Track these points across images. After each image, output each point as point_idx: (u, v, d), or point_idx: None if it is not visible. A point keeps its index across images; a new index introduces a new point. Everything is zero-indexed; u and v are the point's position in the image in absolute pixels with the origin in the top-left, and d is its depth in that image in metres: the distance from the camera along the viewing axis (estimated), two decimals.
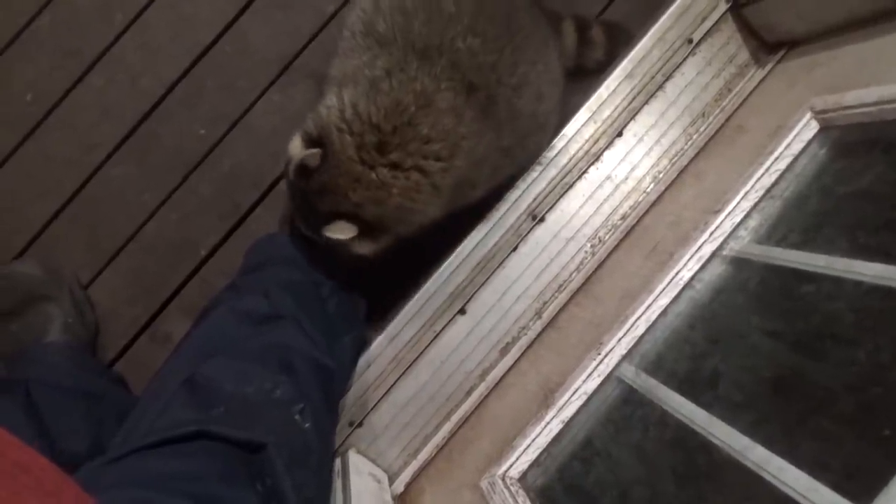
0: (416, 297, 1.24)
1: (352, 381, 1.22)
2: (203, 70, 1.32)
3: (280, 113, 1.34)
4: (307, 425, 0.88)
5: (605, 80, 1.27)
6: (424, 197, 1.00)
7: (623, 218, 1.27)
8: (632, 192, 1.28)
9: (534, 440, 1.01)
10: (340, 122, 0.97)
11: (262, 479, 0.75)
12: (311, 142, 0.98)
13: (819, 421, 0.65)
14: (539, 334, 1.24)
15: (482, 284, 1.27)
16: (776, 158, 1.01)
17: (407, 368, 1.26)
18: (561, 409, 1.01)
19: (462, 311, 1.27)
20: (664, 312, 1.00)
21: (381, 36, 1.01)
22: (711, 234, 1.02)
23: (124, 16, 1.30)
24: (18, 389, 1.02)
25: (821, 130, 0.98)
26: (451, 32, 0.98)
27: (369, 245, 1.04)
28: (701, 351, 0.88)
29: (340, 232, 0.98)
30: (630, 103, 1.27)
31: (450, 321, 1.26)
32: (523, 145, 1.15)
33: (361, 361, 1.23)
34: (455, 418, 1.25)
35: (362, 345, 1.23)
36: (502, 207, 1.25)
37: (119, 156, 1.31)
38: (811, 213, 0.90)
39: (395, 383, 1.26)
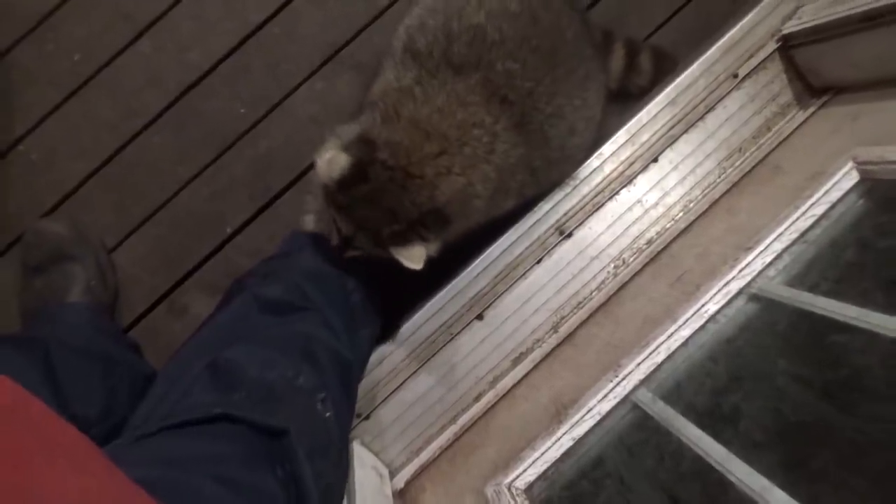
0: (437, 297, 1.25)
1: (364, 374, 1.23)
2: (250, 50, 1.33)
3: (321, 101, 1.34)
4: (328, 414, 0.89)
5: (647, 104, 1.28)
6: (478, 177, 0.99)
7: (649, 243, 1.28)
8: (660, 219, 1.29)
9: (543, 453, 1.02)
10: (387, 125, 0.97)
11: (282, 465, 0.76)
12: (351, 149, 0.96)
13: (843, 474, 0.65)
14: (554, 349, 1.25)
15: (503, 293, 1.28)
16: (813, 203, 1.02)
17: (419, 367, 1.27)
18: (573, 426, 1.02)
19: (480, 317, 1.27)
20: (686, 343, 1.00)
21: (418, 52, 1.02)
22: (741, 270, 1.02)
23: None
24: (38, 349, 1.02)
25: (862, 181, 0.99)
26: (490, 56, 0.99)
27: (434, 250, 1.02)
28: (722, 386, 0.89)
29: (414, 257, 0.96)
30: (669, 130, 1.28)
31: (467, 325, 1.27)
32: (549, 172, 1.17)
33: (375, 355, 1.23)
34: (461, 422, 1.26)
35: (378, 339, 1.24)
36: (531, 219, 1.26)
37: (158, 125, 1.32)
38: (846, 262, 0.90)
39: (405, 380, 1.27)
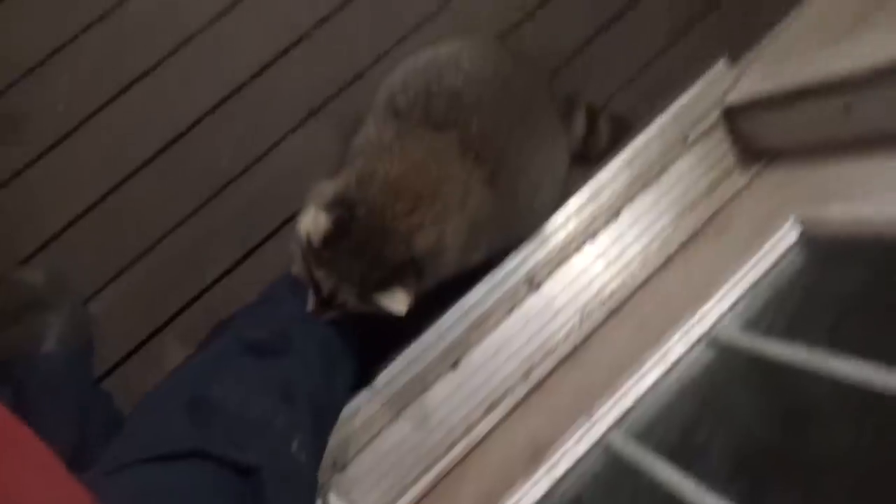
0: (412, 347, 1.29)
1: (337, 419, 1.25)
2: (236, 104, 1.38)
3: (303, 154, 1.40)
4: (302, 456, 0.92)
5: (607, 165, 1.38)
6: (450, 230, 1.04)
7: (611, 295, 1.36)
8: (622, 271, 1.38)
9: (522, 497, 1.05)
10: (362, 185, 1.02)
11: (252, 502, 0.78)
12: (331, 208, 0.99)
13: (801, 496, 0.72)
14: (526, 396, 1.30)
15: (476, 342, 1.33)
16: (761, 257, 1.12)
17: (395, 416, 1.29)
18: (551, 468, 1.06)
19: (454, 366, 1.32)
20: (654, 386, 1.07)
21: (399, 110, 1.09)
22: (700, 318, 1.11)
23: (170, 41, 1.36)
24: (10, 380, 1.03)
25: (803, 235, 1.10)
26: (466, 116, 1.07)
27: (411, 300, 1.04)
28: (690, 424, 0.96)
29: (395, 299, 1.00)
30: (628, 189, 1.38)
31: (441, 374, 1.31)
32: (517, 226, 1.25)
33: (351, 405, 1.25)
34: (438, 469, 1.28)
35: (355, 384, 1.26)
36: (502, 271, 1.32)
37: (141, 176, 1.35)
38: (793, 309, 1.00)
39: (381, 430, 1.29)
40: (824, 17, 1.43)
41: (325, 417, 1.09)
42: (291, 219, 1.39)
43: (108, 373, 1.32)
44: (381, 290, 1.01)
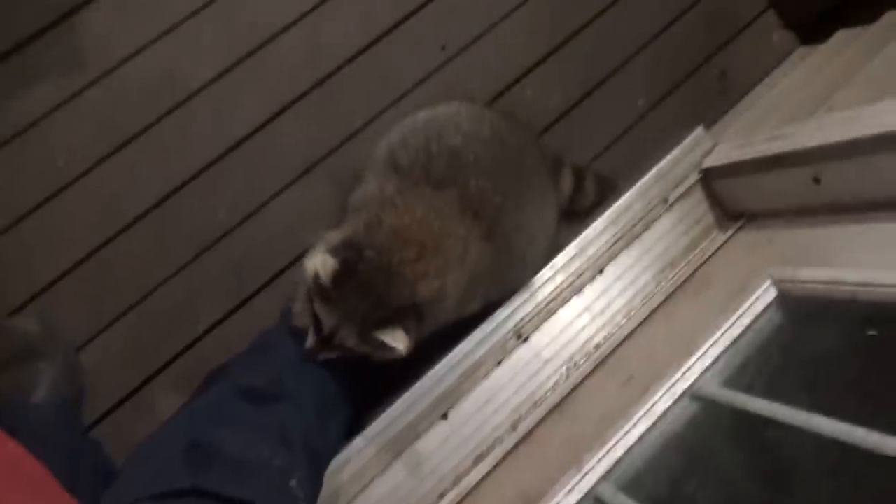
0: (404, 397, 1.31)
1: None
2: (233, 160, 1.42)
3: (297, 210, 1.44)
4: (301, 494, 0.93)
5: (593, 222, 1.44)
6: (452, 282, 1.09)
7: (597, 347, 1.40)
8: (607, 325, 1.42)
9: None
10: (370, 231, 1.07)
11: None
12: (339, 251, 1.04)
13: None
14: (514, 447, 1.33)
15: (465, 393, 1.36)
16: (741, 315, 1.18)
17: (386, 466, 1.31)
18: None
19: (444, 416, 1.34)
20: (641, 439, 1.11)
21: (400, 167, 1.14)
22: (684, 373, 1.16)
23: (169, 101, 1.40)
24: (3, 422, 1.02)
25: (780, 296, 1.16)
26: (465, 174, 1.12)
27: (411, 345, 1.08)
28: (678, 477, 0.99)
29: (395, 338, 1.03)
30: (612, 246, 1.44)
31: (432, 424, 1.34)
32: (511, 277, 1.30)
33: (342, 455, 1.26)
34: None
35: (349, 429, 1.28)
36: (491, 323, 1.36)
37: (137, 227, 1.37)
38: (773, 367, 1.05)
39: (372, 479, 1.30)
40: (796, 89, 1.54)
41: (320, 460, 1.11)
42: (284, 271, 1.43)
43: (99, 420, 1.32)
44: (381, 328, 1.04)
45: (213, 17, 1.44)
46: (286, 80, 1.46)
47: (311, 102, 1.47)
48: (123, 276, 1.36)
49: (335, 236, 1.10)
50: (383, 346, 1.04)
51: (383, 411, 1.30)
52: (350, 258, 1.02)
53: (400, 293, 1.05)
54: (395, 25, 1.53)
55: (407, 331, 1.05)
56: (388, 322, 1.04)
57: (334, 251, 1.04)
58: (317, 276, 1.03)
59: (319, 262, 1.03)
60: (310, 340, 1.12)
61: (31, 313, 1.30)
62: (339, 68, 1.49)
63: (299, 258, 1.43)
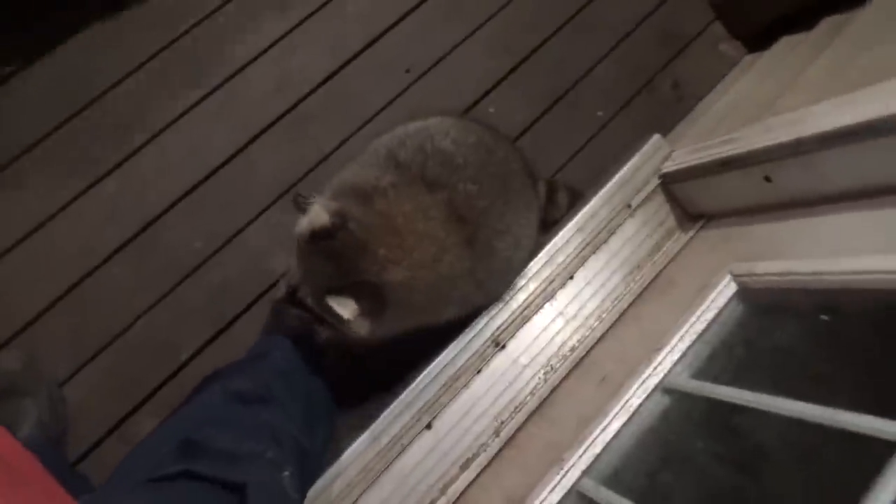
0: (388, 410, 1.34)
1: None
2: (208, 189, 1.45)
3: (273, 235, 1.47)
4: (292, 490, 0.95)
5: (561, 230, 1.51)
6: (420, 281, 1.12)
7: (572, 349, 1.46)
8: (580, 328, 1.48)
9: None
10: (362, 205, 1.11)
11: None
12: (332, 213, 1.09)
13: None
14: (498, 452, 1.37)
15: (448, 403, 1.39)
16: (705, 309, 1.23)
17: (373, 480, 1.33)
18: None
19: (428, 427, 1.38)
20: (618, 434, 1.16)
21: (399, 162, 1.19)
22: (654, 368, 1.21)
23: (143, 135, 1.43)
24: None
25: (739, 290, 1.22)
26: (456, 177, 1.17)
27: (367, 325, 1.13)
28: (654, 468, 1.04)
29: (345, 307, 1.08)
30: (581, 252, 1.50)
31: (417, 435, 1.37)
32: (495, 283, 1.33)
33: (332, 470, 1.29)
34: None
35: (330, 438, 1.31)
36: (469, 333, 1.41)
37: (117, 259, 1.39)
38: (737, 357, 1.11)
39: (361, 494, 1.32)
40: (745, 95, 1.62)
41: (307, 462, 1.12)
42: (262, 295, 1.45)
43: (86, 454, 1.32)
44: (335, 294, 1.08)
45: (179, 54, 1.47)
46: (257, 108, 1.50)
47: (282, 129, 1.51)
48: (104, 308, 1.37)
49: (332, 204, 1.13)
50: (333, 313, 1.08)
51: (368, 426, 1.34)
52: (336, 223, 1.07)
53: (366, 269, 1.09)
54: (361, 51, 1.58)
55: (360, 305, 1.09)
56: (345, 292, 1.09)
57: (329, 209, 1.09)
58: (306, 227, 1.09)
59: (314, 213, 1.08)
60: (280, 289, 1.15)
61: (12, 350, 1.30)
62: (308, 95, 1.54)
63: (277, 282, 1.46)
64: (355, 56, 1.57)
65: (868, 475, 0.75)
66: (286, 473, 0.95)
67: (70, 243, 1.37)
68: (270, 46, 1.52)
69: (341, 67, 1.56)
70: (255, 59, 1.51)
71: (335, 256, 1.09)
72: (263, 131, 1.50)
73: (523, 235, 1.30)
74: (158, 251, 1.41)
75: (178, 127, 1.45)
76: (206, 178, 1.45)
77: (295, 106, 1.53)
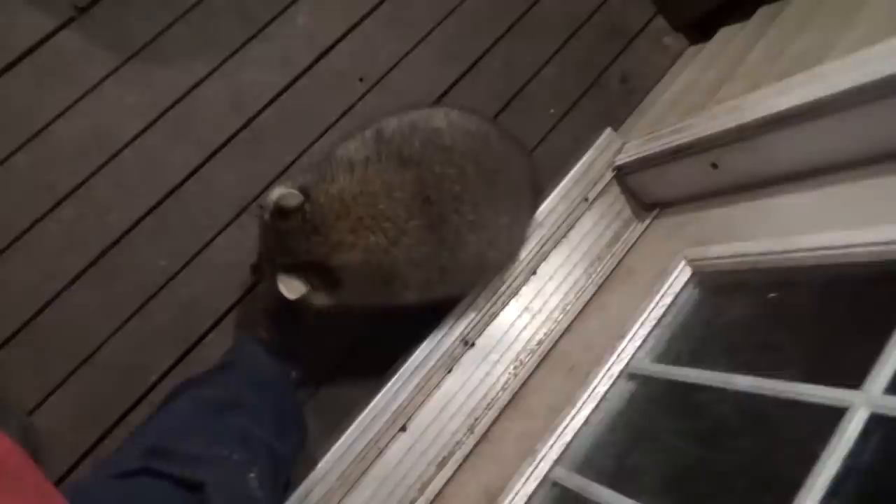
0: (363, 415, 1.36)
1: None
2: (169, 208, 1.44)
3: (237, 249, 1.47)
4: (259, 492, 0.95)
5: None
6: (374, 262, 1.14)
7: (539, 343, 1.49)
8: (546, 321, 1.51)
9: None
10: (323, 184, 1.13)
11: None
12: (293, 194, 1.12)
13: (721, 498, 0.85)
14: (473, 447, 1.39)
15: (421, 403, 1.42)
16: (662, 295, 1.28)
17: (353, 485, 1.35)
18: None
19: (403, 429, 1.40)
20: (587, 421, 1.19)
21: (382, 137, 1.18)
22: (618, 355, 1.25)
23: (98, 158, 1.42)
24: None
25: (694, 274, 1.27)
26: (436, 156, 1.16)
27: (323, 298, 1.18)
28: (623, 450, 1.08)
29: (293, 288, 1.12)
30: (542, 247, 1.54)
31: (392, 438, 1.39)
32: (462, 274, 1.30)
33: (310, 477, 1.30)
34: None
35: (303, 444, 1.31)
36: (439, 334, 1.43)
37: (79, 284, 1.37)
38: (695, 338, 1.16)
39: (340, 501, 1.34)
40: (689, 85, 1.68)
41: (279, 465, 1.12)
42: (230, 311, 1.45)
43: (59, 481, 1.30)
44: (282, 272, 1.13)
45: (131, 76, 1.47)
46: (213, 125, 1.50)
47: (239, 144, 1.52)
48: (69, 334, 1.36)
49: (303, 178, 1.17)
50: (282, 290, 1.12)
51: (344, 432, 1.35)
52: (294, 206, 1.11)
53: (315, 251, 1.12)
54: (313, 63, 1.59)
55: (311, 283, 1.13)
56: (293, 270, 1.13)
57: (292, 188, 1.12)
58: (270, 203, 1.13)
59: (276, 194, 1.12)
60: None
61: None
62: (264, 109, 1.54)
63: (245, 296, 1.47)
64: (307, 68, 1.58)
65: (819, 438, 0.80)
66: (252, 475, 0.95)
67: (32, 271, 1.35)
68: (220, 65, 1.52)
69: (294, 80, 1.57)
70: (206, 77, 1.51)
71: (283, 236, 1.13)
72: (221, 148, 1.50)
73: (501, 237, 1.29)
74: (123, 272, 1.40)
75: (134, 148, 1.44)
76: (167, 196, 1.45)
77: (251, 121, 1.53)
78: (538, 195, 1.51)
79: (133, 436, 1.11)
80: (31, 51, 1.42)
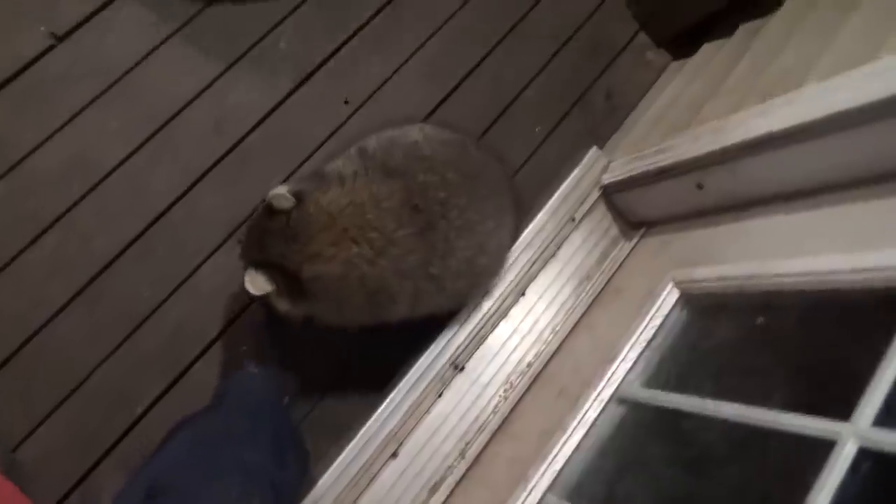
0: (354, 441, 1.36)
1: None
2: (154, 234, 1.43)
3: (224, 274, 1.46)
4: None
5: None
6: (355, 275, 1.14)
7: (529, 365, 1.49)
8: (536, 342, 1.51)
9: None
10: (316, 193, 1.15)
11: None
12: (288, 196, 1.14)
13: None
14: (466, 472, 1.39)
15: (413, 428, 1.41)
16: (651, 317, 1.28)
17: None
18: None
19: (395, 454, 1.39)
20: (578, 447, 1.19)
21: (366, 153, 1.21)
22: (608, 379, 1.25)
23: (81, 185, 1.41)
24: None
25: (682, 296, 1.28)
26: (417, 166, 1.18)
27: (287, 305, 1.19)
28: (613, 477, 1.08)
29: (257, 285, 1.14)
30: (531, 268, 1.54)
31: (384, 464, 1.38)
32: (454, 284, 1.27)
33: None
34: None
35: (305, 466, 1.31)
36: (428, 358, 1.43)
37: (65, 313, 1.36)
38: (683, 362, 1.16)
39: None
40: (673, 102, 1.69)
41: (284, 494, 1.12)
42: (218, 338, 1.44)
43: None
44: (251, 267, 1.15)
45: (113, 101, 1.45)
46: (198, 150, 1.49)
47: (226, 168, 1.51)
48: (55, 365, 1.34)
49: (299, 185, 1.18)
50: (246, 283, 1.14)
51: (337, 458, 1.35)
52: (284, 205, 1.13)
53: (289, 257, 1.13)
54: (298, 86, 1.58)
55: (273, 287, 1.15)
56: (258, 267, 1.15)
57: (291, 192, 1.14)
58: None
59: (274, 191, 1.14)
60: None
61: None
62: (250, 132, 1.53)
63: (233, 322, 1.46)
64: (293, 91, 1.57)
65: (808, 469, 0.80)
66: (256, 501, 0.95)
67: (17, 302, 1.34)
68: (204, 90, 1.51)
69: (280, 103, 1.56)
70: (190, 102, 1.50)
71: (264, 234, 1.15)
72: (207, 172, 1.49)
73: (489, 242, 1.29)
74: (109, 301, 1.39)
75: (119, 175, 1.43)
76: (153, 222, 1.44)
77: (237, 145, 1.52)
78: (518, 202, 1.50)
79: (131, 480, 1.10)
80: (9, 80, 1.40)
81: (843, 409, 0.83)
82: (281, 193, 1.13)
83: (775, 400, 0.94)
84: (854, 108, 0.99)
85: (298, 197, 1.14)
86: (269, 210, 1.15)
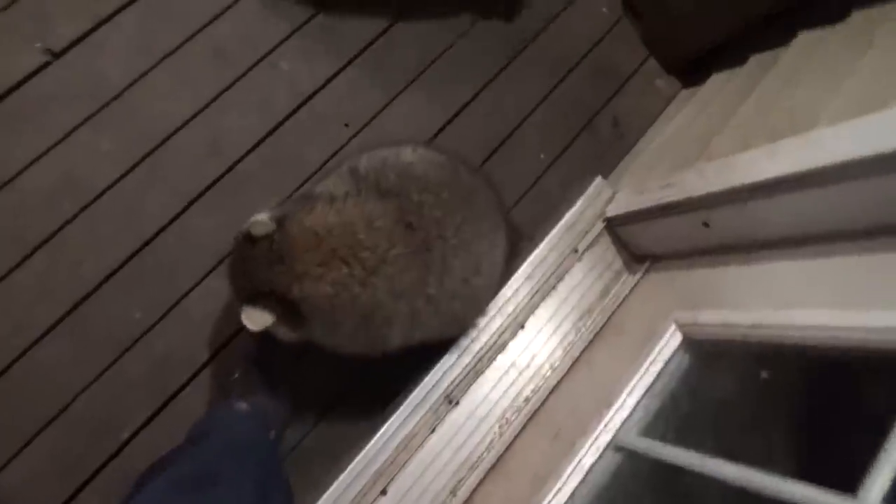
0: (341, 477, 1.32)
1: None
2: (144, 257, 1.40)
3: (214, 300, 1.42)
4: None
5: (509, 280, 1.50)
6: (347, 296, 1.10)
7: (526, 401, 1.45)
8: (533, 377, 1.47)
9: None
10: (299, 214, 1.11)
11: None
12: (268, 222, 1.10)
13: None
14: None
15: (404, 464, 1.37)
16: (652, 361, 1.24)
17: None
18: None
19: (383, 492, 1.35)
20: (572, 495, 1.15)
21: (357, 174, 1.18)
22: (605, 425, 1.21)
23: (72, 205, 1.38)
24: None
25: (684, 340, 1.23)
26: (411, 186, 1.16)
27: (288, 332, 1.15)
28: None
29: (254, 320, 1.09)
30: (530, 300, 1.50)
31: (373, 502, 1.34)
32: (449, 305, 1.24)
33: None
34: None
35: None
36: (422, 391, 1.39)
37: (51, 337, 1.33)
38: (683, 413, 1.12)
39: None
40: (681, 133, 1.65)
41: None
42: (207, 364, 1.41)
43: None
44: (245, 302, 1.10)
45: (106, 121, 1.43)
46: (191, 173, 1.46)
47: (219, 192, 1.48)
48: (39, 389, 1.31)
49: (283, 209, 1.15)
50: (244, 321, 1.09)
51: (323, 494, 1.31)
52: (261, 231, 1.09)
53: (277, 280, 1.09)
54: (296, 109, 1.56)
55: (271, 315, 1.10)
56: (253, 300, 1.10)
57: (271, 219, 1.11)
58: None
59: (251, 220, 1.11)
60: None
61: None
62: (245, 155, 1.51)
63: (223, 348, 1.43)
64: (291, 114, 1.54)
65: None
66: None
67: (1, 324, 1.31)
68: (199, 112, 1.48)
69: (277, 126, 1.53)
70: (185, 124, 1.47)
71: (246, 263, 1.12)
72: (200, 196, 1.46)
73: (485, 261, 1.26)
74: (97, 325, 1.36)
75: (110, 197, 1.40)
76: (143, 246, 1.41)
77: (231, 168, 1.49)
78: (511, 224, 1.45)
79: None
80: (2, 97, 1.38)
81: (847, 479, 0.79)
82: (259, 220, 1.10)
83: (777, 462, 0.89)
84: (867, 158, 0.95)
85: (279, 221, 1.11)
86: (250, 239, 1.11)
